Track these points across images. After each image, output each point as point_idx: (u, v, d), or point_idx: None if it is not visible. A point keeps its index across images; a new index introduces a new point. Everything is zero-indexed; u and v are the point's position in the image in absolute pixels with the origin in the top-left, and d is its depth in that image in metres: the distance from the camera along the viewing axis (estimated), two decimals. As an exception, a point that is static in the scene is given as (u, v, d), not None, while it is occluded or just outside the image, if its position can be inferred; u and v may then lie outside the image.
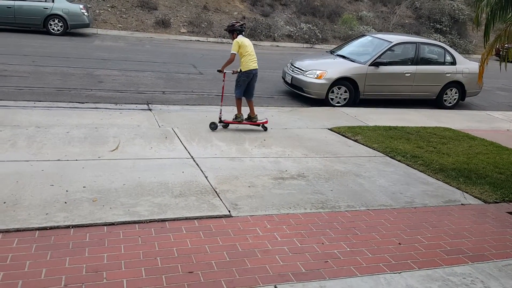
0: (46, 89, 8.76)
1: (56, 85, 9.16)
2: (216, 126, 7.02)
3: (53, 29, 15.70)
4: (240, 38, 6.99)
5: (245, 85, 7.17)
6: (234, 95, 7.32)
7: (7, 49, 12.11)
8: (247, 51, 7.02)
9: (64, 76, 9.91)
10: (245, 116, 7.34)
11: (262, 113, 8.64)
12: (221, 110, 7.17)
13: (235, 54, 6.92)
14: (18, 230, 3.70)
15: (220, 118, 7.10)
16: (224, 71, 7.05)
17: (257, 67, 7.21)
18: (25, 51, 12.15)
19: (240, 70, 7.11)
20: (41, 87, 8.88)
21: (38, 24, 15.59)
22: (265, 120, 7.40)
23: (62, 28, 15.75)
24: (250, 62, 7.07)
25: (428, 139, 7.65)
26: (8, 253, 3.39)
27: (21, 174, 4.72)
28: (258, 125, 7.32)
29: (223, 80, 7.18)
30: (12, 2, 15.20)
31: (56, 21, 15.68)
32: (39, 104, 7.72)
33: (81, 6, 16.12)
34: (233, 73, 7.10)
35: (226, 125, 7.20)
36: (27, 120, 6.64)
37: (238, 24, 7.08)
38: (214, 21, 20.39)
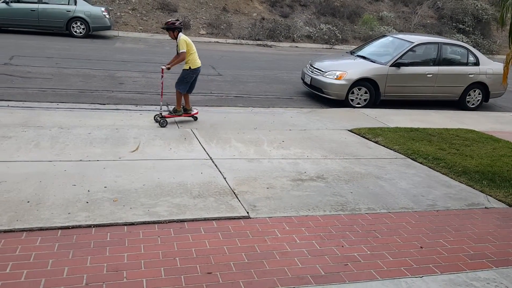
0: (69, 91, 8.91)
1: (78, 86, 9.31)
2: (166, 121, 7.11)
3: (76, 32, 15.98)
4: (185, 37, 7.07)
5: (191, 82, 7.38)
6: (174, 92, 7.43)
7: (31, 51, 12.37)
8: (193, 49, 7.17)
9: (86, 78, 10.07)
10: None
11: (281, 114, 8.64)
12: (161, 106, 7.31)
13: (185, 52, 6.99)
14: (41, 229, 3.76)
15: (161, 114, 7.20)
16: (162, 67, 7.17)
17: None
18: (48, 53, 12.39)
19: (190, 67, 7.19)
20: (63, 88, 9.04)
21: (61, 27, 15.89)
22: (196, 111, 7.65)
23: (84, 31, 16.02)
24: (197, 59, 7.25)
25: (450, 141, 7.51)
26: (32, 251, 3.45)
27: (45, 174, 4.81)
28: (192, 116, 7.59)
29: (162, 77, 7.33)
30: (36, 5, 15.53)
31: (79, 23, 15.96)
32: (61, 105, 7.86)
33: (103, 9, 16.38)
34: (168, 69, 7.12)
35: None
36: (50, 121, 6.76)
37: (178, 22, 7.07)
38: (233, 22, 20.46)
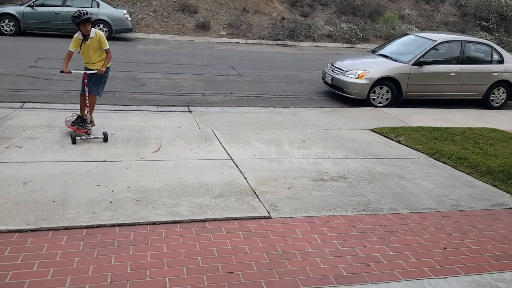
0: (92, 92, 9.06)
1: (101, 88, 9.45)
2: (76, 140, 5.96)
3: (98, 34, 16.24)
4: (100, 31, 6.27)
5: None
6: (97, 95, 6.41)
7: (55, 54, 12.62)
8: None
9: (109, 80, 10.06)
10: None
11: (301, 113, 8.62)
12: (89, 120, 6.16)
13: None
14: (67, 228, 3.84)
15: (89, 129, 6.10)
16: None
17: None
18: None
19: (109, 65, 6.42)
20: (87, 90, 9.19)
21: (85, 30, 16.18)
22: None
23: (107, 33, 16.25)
24: None
25: (474, 140, 7.38)
26: (58, 250, 3.53)
27: (70, 174, 4.91)
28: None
29: (87, 85, 6.20)
30: (60, 9, 15.86)
31: (101, 26, 16.22)
32: (85, 106, 8.00)
33: (125, 11, 16.61)
34: (99, 72, 6.15)
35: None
36: (74, 122, 6.87)
37: (89, 14, 6.07)
38: (253, 22, 20.50)
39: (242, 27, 19.96)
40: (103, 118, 7.27)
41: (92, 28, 6.13)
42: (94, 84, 6.32)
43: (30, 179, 4.72)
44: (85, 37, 6.08)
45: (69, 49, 6.16)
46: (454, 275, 3.61)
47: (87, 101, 6.16)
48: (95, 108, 6.55)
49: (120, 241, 3.71)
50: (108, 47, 6.25)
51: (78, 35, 6.10)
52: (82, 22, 5.91)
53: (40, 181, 4.69)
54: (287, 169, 5.60)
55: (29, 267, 3.30)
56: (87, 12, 6.01)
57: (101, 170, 5.10)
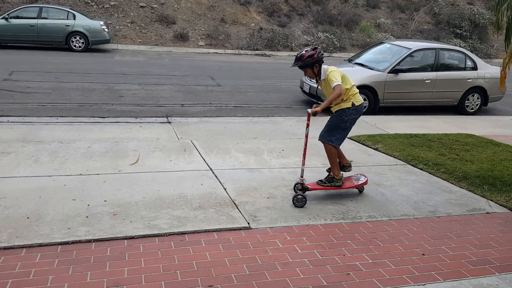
0: (68, 105, 8.94)
1: (78, 100, 9.34)
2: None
3: (75, 46, 16.08)
4: (333, 67, 5.13)
5: None
6: None
7: (30, 66, 12.43)
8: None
9: (86, 92, 10.10)
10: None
11: (280, 123, 8.63)
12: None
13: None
14: (41, 245, 3.75)
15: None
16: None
17: None
18: (48, 67, 12.45)
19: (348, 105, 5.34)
20: (63, 103, 9.07)
21: (60, 41, 16.01)
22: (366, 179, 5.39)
23: (84, 45, 16.13)
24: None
25: (450, 146, 7.50)
26: (31, 268, 3.43)
27: (44, 189, 4.80)
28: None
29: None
30: (35, 21, 15.66)
31: (78, 37, 16.07)
32: (61, 119, 7.87)
33: (102, 23, 16.50)
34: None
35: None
36: (50, 136, 6.76)
37: (316, 51, 5.07)
38: (231, 33, 20.57)
39: (221, 37, 20.01)
40: (80, 131, 7.17)
41: (323, 67, 5.10)
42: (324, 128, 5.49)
43: (3, 195, 4.59)
44: (316, 79, 5.26)
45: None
46: (433, 281, 3.63)
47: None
48: (72, 121, 6.42)
49: (97, 257, 3.63)
50: (336, 83, 4.86)
51: None
52: (300, 68, 5.19)
53: (13, 197, 4.57)
54: (266, 179, 5.59)
55: (2, 287, 3.19)
56: (302, 56, 5.08)
57: (77, 184, 5.00)
